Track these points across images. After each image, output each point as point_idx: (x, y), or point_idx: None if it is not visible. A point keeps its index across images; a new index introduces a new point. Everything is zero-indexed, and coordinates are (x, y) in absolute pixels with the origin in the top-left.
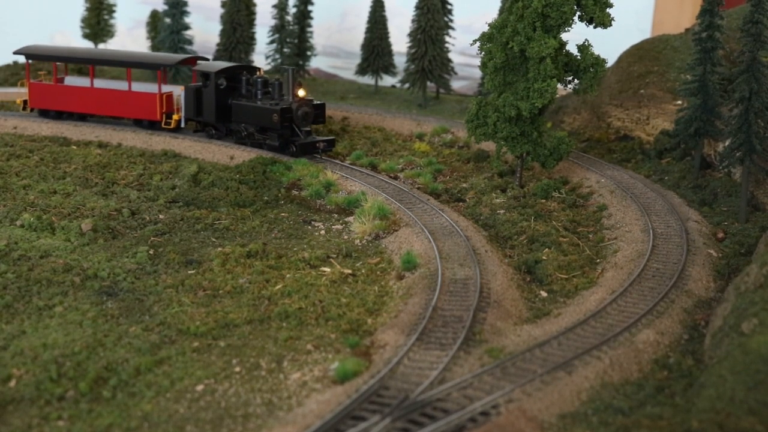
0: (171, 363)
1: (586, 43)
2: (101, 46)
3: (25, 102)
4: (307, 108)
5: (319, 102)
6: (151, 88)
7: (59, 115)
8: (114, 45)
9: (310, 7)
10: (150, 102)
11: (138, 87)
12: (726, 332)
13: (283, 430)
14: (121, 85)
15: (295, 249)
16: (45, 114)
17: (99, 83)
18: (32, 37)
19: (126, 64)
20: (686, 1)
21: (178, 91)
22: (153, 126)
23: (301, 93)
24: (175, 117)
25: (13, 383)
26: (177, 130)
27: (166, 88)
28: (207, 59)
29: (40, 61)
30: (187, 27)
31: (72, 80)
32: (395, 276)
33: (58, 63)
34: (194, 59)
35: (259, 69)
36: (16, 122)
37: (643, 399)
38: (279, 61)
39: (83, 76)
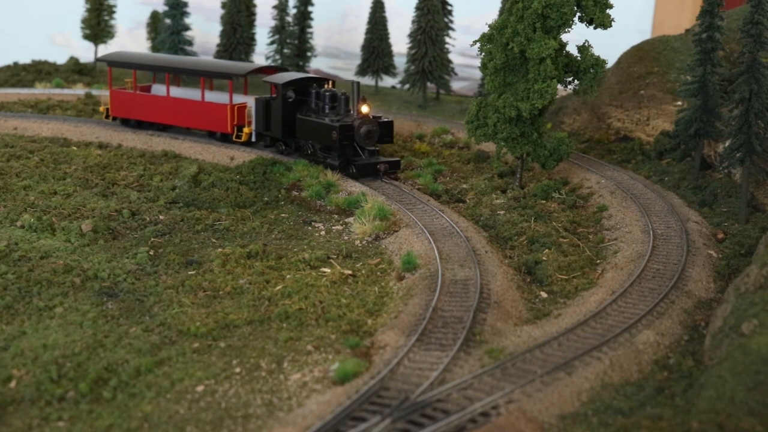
0: (171, 364)
1: (586, 44)
2: (102, 47)
3: (108, 110)
4: (370, 126)
5: (386, 119)
6: (227, 98)
7: (139, 125)
8: (114, 46)
9: (310, 8)
10: (221, 114)
11: (213, 97)
12: (726, 333)
13: (283, 430)
14: (198, 95)
15: (295, 250)
16: (126, 123)
17: (178, 92)
18: (32, 37)
19: (197, 73)
20: (686, 2)
21: (252, 102)
22: (225, 139)
23: (364, 109)
24: (246, 130)
25: (13, 384)
26: (249, 144)
27: (242, 99)
28: (286, 69)
29: (120, 68)
30: (187, 28)
31: (159, 89)
32: (395, 277)
33: (137, 71)
34: (271, 69)
35: (328, 81)
36: (17, 123)
37: (643, 400)
38: (279, 61)
39: (179, 84)
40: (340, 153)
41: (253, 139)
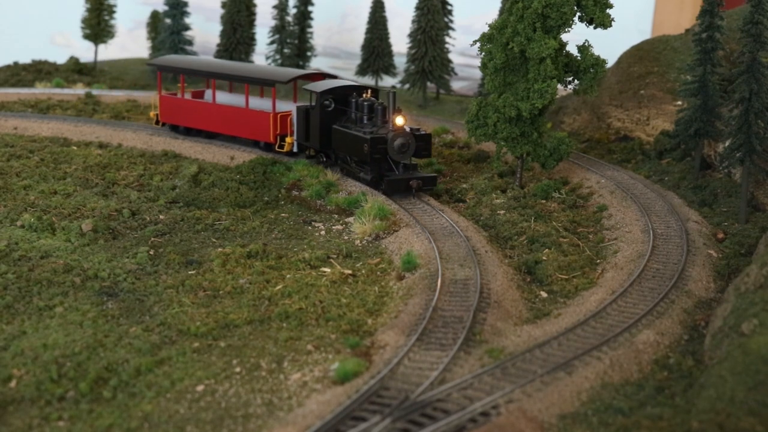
0: (171, 363)
1: (586, 44)
2: (102, 47)
3: (158, 116)
4: (405, 139)
5: (423, 132)
6: (277, 106)
7: (188, 132)
8: (114, 46)
9: (310, 8)
10: (263, 122)
11: (260, 104)
12: (726, 333)
13: (283, 430)
14: (244, 102)
15: (295, 249)
16: (175, 130)
17: (227, 99)
18: (32, 37)
19: (239, 79)
20: (686, 2)
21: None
22: (269, 148)
23: (399, 121)
24: (288, 140)
25: (13, 384)
26: (292, 154)
27: (288, 107)
28: (334, 76)
29: (168, 72)
30: (187, 27)
31: (220, 96)
32: (395, 276)
33: (184, 75)
34: (320, 75)
35: (367, 90)
36: (17, 122)
37: (643, 399)
38: (279, 61)
39: (234, 91)
40: (372, 167)
41: (295, 149)
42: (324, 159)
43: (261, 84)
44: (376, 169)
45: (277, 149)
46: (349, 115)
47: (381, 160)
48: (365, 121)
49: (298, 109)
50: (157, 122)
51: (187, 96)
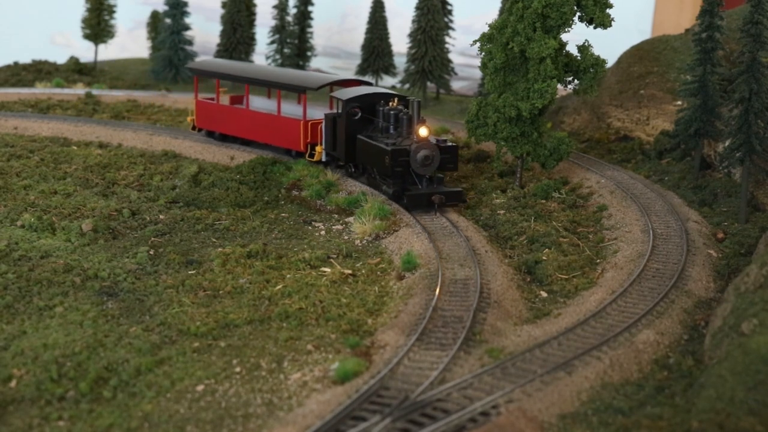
0: (171, 363)
1: (586, 44)
2: (103, 46)
3: (194, 121)
4: (428, 151)
5: (449, 144)
6: (311, 113)
7: (223, 138)
8: (114, 46)
9: (310, 8)
10: (294, 130)
11: (293, 111)
12: (726, 333)
13: (283, 430)
14: (285, 108)
15: (295, 249)
16: (211, 135)
17: (261, 104)
18: (32, 37)
19: (270, 84)
20: (686, 2)
21: None
22: (300, 157)
23: (423, 132)
24: (318, 149)
25: (13, 383)
26: (323, 163)
27: (321, 114)
28: (369, 83)
29: (204, 77)
30: (187, 27)
31: (254, 101)
32: (395, 276)
33: (219, 80)
34: (354, 82)
35: (393, 98)
36: (17, 122)
37: (643, 399)
38: (279, 61)
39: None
40: (394, 180)
41: (324, 158)
42: (352, 170)
43: (291, 90)
44: (399, 182)
45: (307, 158)
46: (376, 125)
47: (403, 173)
48: (391, 131)
49: (326, 117)
50: (193, 128)
51: (225, 101)
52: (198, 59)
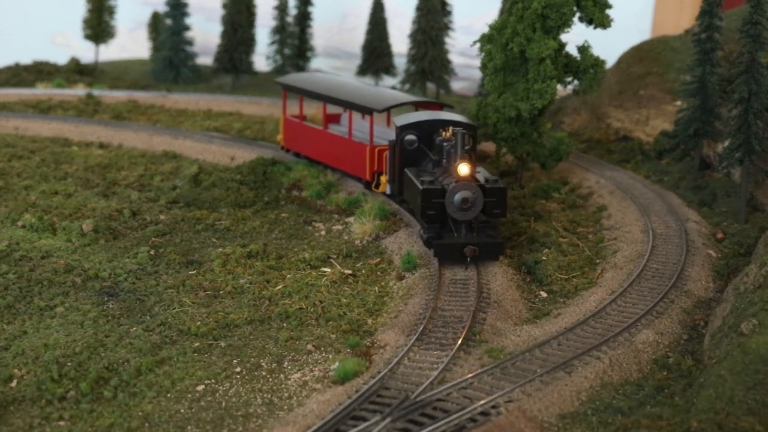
0: (172, 363)
1: (586, 45)
2: (103, 47)
3: (282, 141)
4: (468, 192)
5: (497, 185)
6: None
7: (310, 161)
8: (115, 46)
9: (310, 8)
10: (360, 156)
11: (379, 132)
12: (725, 332)
13: (283, 430)
14: (350, 130)
15: (295, 249)
16: (298, 156)
17: (357, 125)
18: (33, 37)
19: (341, 103)
20: (686, 3)
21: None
22: (369, 187)
23: (463, 170)
24: (383, 179)
25: (14, 383)
26: (389, 196)
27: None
28: (451, 106)
29: (291, 92)
30: (187, 28)
31: (346, 121)
32: (395, 276)
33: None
34: (434, 104)
35: (447, 127)
36: (18, 123)
37: (642, 399)
38: (279, 62)
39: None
40: (428, 225)
41: (388, 191)
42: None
43: (357, 110)
44: (435, 228)
45: (373, 189)
46: (430, 157)
47: (438, 217)
48: (443, 165)
49: (390, 144)
50: (282, 147)
51: (295, 120)
52: (291, 74)
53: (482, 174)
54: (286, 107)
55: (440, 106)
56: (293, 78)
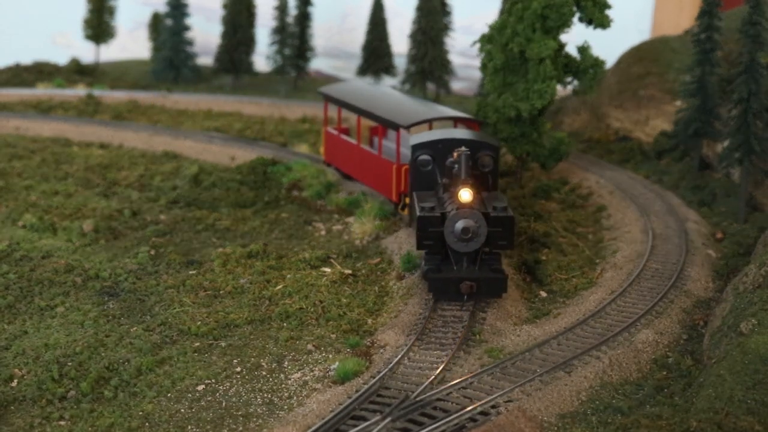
0: (172, 363)
1: (586, 45)
2: (104, 47)
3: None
4: (470, 221)
5: (503, 213)
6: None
7: (348, 177)
8: (115, 46)
9: (310, 9)
10: (387, 174)
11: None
12: (725, 332)
13: (283, 429)
14: (387, 144)
15: (295, 249)
16: (338, 171)
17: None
18: (33, 38)
19: (371, 116)
20: (685, 3)
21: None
22: (396, 208)
23: (464, 196)
24: (407, 200)
25: (14, 383)
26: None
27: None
28: (484, 123)
29: (332, 104)
30: (187, 28)
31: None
32: (395, 276)
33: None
34: (470, 122)
35: (459, 147)
36: (18, 123)
37: (642, 399)
38: (279, 62)
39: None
40: (427, 257)
41: None
42: None
43: (385, 125)
44: (436, 260)
45: (399, 211)
46: (443, 179)
47: (437, 249)
48: (451, 189)
49: (410, 162)
50: (324, 161)
51: (334, 133)
52: (333, 84)
53: (497, 201)
54: (327, 119)
55: (478, 125)
56: (333, 88)
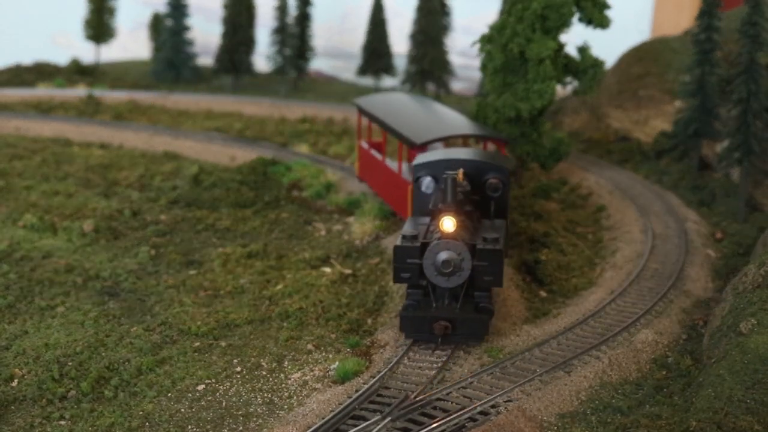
0: (172, 363)
1: (586, 45)
2: (104, 47)
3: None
4: (451, 253)
5: (490, 246)
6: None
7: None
8: (115, 47)
9: (310, 9)
10: (403, 193)
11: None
12: (724, 332)
13: (283, 429)
14: (399, 162)
15: (295, 249)
16: (371, 188)
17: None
18: (33, 38)
19: (390, 131)
20: (685, 3)
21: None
22: None
23: (446, 225)
24: None
25: (15, 383)
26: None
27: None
28: (504, 141)
29: (364, 116)
30: (188, 28)
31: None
32: None
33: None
34: (499, 142)
35: (458, 171)
36: (19, 123)
37: (641, 398)
38: (280, 62)
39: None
40: (408, 291)
41: None
42: None
43: (402, 141)
44: (416, 294)
45: None
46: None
47: (414, 282)
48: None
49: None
50: (358, 177)
51: (366, 147)
52: (369, 95)
53: (490, 232)
54: (360, 131)
55: (503, 143)
56: (365, 100)
